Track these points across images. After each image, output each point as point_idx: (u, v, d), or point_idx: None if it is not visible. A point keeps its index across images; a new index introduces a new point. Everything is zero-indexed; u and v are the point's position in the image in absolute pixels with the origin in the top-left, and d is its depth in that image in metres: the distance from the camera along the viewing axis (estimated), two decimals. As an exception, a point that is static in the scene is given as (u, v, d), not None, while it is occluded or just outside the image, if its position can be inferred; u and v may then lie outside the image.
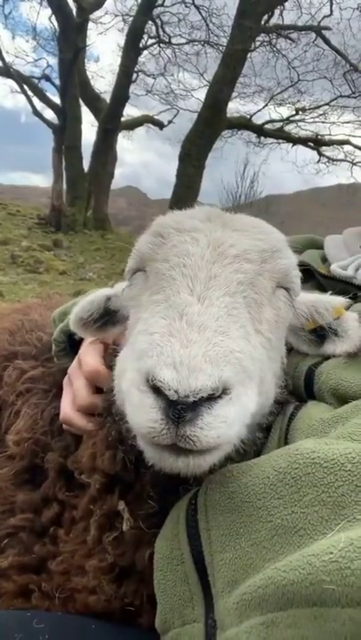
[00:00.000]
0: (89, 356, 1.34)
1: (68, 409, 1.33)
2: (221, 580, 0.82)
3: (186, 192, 18.73)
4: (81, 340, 1.44)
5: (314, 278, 1.47)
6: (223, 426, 0.80)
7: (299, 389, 1.20)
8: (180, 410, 0.77)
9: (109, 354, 1.30)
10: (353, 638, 0.62)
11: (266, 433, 1.11)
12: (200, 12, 21.51)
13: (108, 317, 1.31)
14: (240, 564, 0.80)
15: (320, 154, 25.32)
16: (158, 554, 0.93)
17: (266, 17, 19.71)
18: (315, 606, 0.65)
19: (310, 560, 0.67)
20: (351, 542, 0.65)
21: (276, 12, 20.18)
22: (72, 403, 1.33)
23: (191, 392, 0.76)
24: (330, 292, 1.26)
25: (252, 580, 0.75)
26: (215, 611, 0.81)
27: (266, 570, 0.73)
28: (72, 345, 1.49)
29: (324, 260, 1.65)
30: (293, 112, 24.92)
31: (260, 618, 0.71)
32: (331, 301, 1.21)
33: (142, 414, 0.81)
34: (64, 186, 19.53)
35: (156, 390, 0.79)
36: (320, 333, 1.21)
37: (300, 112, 24.84)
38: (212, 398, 0.79)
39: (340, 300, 1.21)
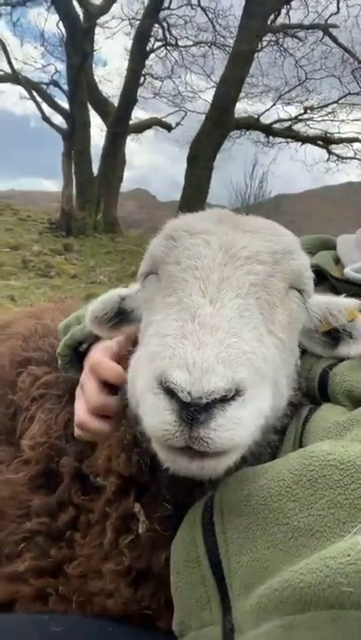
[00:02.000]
0: (95, 352, 1.35)
1: (81, 413, 1.34)
2: (238, 583, 0.81)
3: (195, 193, 18.72)
4: (86, 352, 1.45)
5: (327, 281, 1.46)
6: (237, 427, 0.80)
7: (313, 391, 1.19)
8: (193, 412, 0.77)
9: (124, 356, 1.31)
10: None
11: (281, 435, 1.10)
12: (206, 14, 21.56)
13: (122, 316, 1.32)
14: (257, 567, 0.79)
15: (329, 152, 25.18)
16: (175, 557, 0.94)
17: (272, 16, 19.66)
18: (333, 609, 0.64)
19: (328, 562, 0.67)
20: None
21: (283, 11, 20.14)
22: (85, 406, 1.34)
23: (204, 394, 0.76)
24: (344, 295, 1.26)
25: (269, 582, 0.75)
26: (232, 614, 0.81)
27: (283, 572, 0.73)
28: (78, 358, 1.50)
29: (337, 260, 1.64)
30: (302, 111, 24.84)
31: (279, 621, 0.70)
32: (344, 304, 1.20)
33: (155, 417, 0.81)
34: (74, 190, 19.63)
35: (170, 392, 0.79)
36: (334, 336, 1.20)
37: (309, 111, 24.73)
38: (225, 400, 0.79)
39: (354, 303, 1.20)
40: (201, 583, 0.88)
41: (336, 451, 0.81)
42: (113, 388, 1.29)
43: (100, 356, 1.33)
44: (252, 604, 0.77)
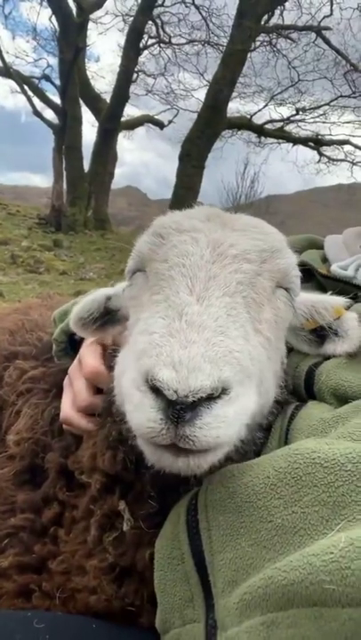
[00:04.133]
0: (89, 356, 1.34)
1: (68, 409, 1.34)
2: (222, 580, 0.82)
3: (186, 192, 18.72)
4: (81, 340, 1.44)
5: (314, 278, 1.47)
6: (223, 426, 0.80)
7: (299, 389, 1.20)
8: (179, 410, 0.77)
9: (109, 354, 1.30)
10: (353, 638, 0.62)
11: (266, 433, 1.11)
12: (200, 12, 21.54)
13: (108, 317, 1.31)
14: (240, 564, 0.80)
15: (320, 154, 25.34)
16: (159, 553, 0.93)
17: (266, 17, 19.71)
18: (315, 606, 0.65)
19: (311, 560, 0.67)
20: (351, 542, 0.65)
21: (277, 11, 20.19)
22: (72, 403, 1.33)
23: (190, 392, 0.76)
24: (330, 293, 1.26)
25: (252, 579, 0.75)
26: (215, 611, 0.81)
27: (266, 570, 0.73)
28: (73, 345, 1.49)
29: (325, 260, 1.65)
30: (294, 112, 24.95)
31: (261, 618, 0.71)
32: (331, 301, 1.21)
33: (142, 414, 0.81)
34: (64, 186, 19.55)
35: (156, 390, 0.79)
36: (320, 333, 1.21)
37: (301, 112, 24.85)
38: (211, 398, 0.79)
39: (341, 301, 1.21)
40: (184, 580, 0.88)
41: (321, 449, 0.81)
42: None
43: (97, 365, 1.30)
44: (235, 601, 0.77)
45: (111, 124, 21.22)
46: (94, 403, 1.26)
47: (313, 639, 0.64)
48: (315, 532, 0.74)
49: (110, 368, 1.20)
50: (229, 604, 0.78)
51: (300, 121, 25.26)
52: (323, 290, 1.37)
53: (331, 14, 20.44)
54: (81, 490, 1.24)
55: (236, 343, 0.86)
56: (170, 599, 0.89)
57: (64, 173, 19.52)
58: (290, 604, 0.67)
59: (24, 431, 1.47)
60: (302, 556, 0.69)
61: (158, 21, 21.97)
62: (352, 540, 0.66)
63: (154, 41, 22.84)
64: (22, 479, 1.40)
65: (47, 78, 21.36)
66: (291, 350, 1.24)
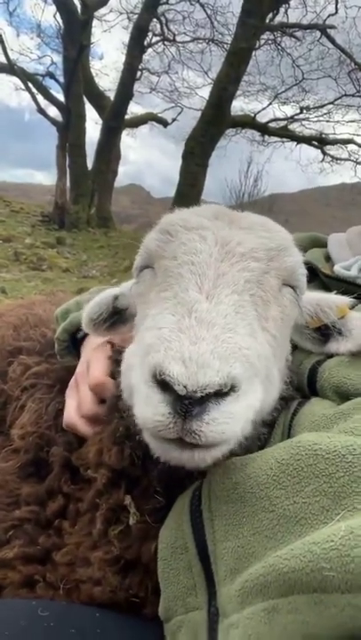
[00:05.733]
0: (96, 365, 1.34)
1: (72, 414, 1.35)
2: (224, 568, 0.83)
3: (189, 190, 18.71)
4: (83, 338, 1.45)
5: (318, 277, 1.48)
6: (230, 422, 0.81)
7: (302, 386, 1.21)
8: (187, 405, 0.78)
9: (116, 352, 1.32)
10: (352, 623, 0.64)
11: (270, 428, 1.12)
12: (205, 10, 21.52)
13: (117, 316, 1.32)
14: (242, 553, 0.81)
15: (324, 153, 25.28)
16: (162, 543, 0.95)
17: (271, 15, 19.64)
18: (315, 592, 0.66)
19: (311, 548, 0.68)
20: (351, 531, 0.67)
21: (281, 10, 20.10)
22: (77, 409, 1.35)
23: (199, 387, 0.77)
24: (334, 292, 1.27)
25: (254, 567, 0.77)
26: (217, 598, 0.83)
27: (268, 558, 0.75)
28: (75, 342, 1.50)
29: (328, 258, 1.66)
30: (298, 111, 24.91)
31: (262, 604, 0.72)
32: (335, 301, 1.22)
33: (149, 408, 0.82)
34: (68, 183, 19.54)
35: (164, 385, 0.80)
36: (324, 332, 1.22)
37: (305, 111, 24.80)
38: (219, 394, 0.80)
39: (345, 300, 1.22)
40: (187, 569, 0.89)
41: (322, 441, 0.82)
42: None
43: (103, 376, 1.31)
44: (236, 588, 0.79)
45: (115, 121, 21.21)
46: (99, 412, 1.28)
47: (313, 624, 0.66)
48: (316, 521, 0.75)
49: (113, 376, 1.21)
50: (231, 592, 0.80)
51: (303, 120, 25.25)
52: (326, 289, 1.38)
53: (336, 13, 20.40)
54: (86, 483, 1.25)
55: (244, 340, 0.87)
56: (173, 587, 0.91)
57: (67, 171, 19.51)
58: (290, 591, 0.69)
59: (28, 425, 1.48)
60: (303, 545, 0.70)
61: (163, 19, 21.96)
62: (352, 528, 0.67)
63: (158, 39, 22.85)
64: (27, 472, 1.42)
65: (51, 76, 21.33)
66: (295, 348, 1.25)
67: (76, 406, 1.35)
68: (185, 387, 0.77)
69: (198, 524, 0.89)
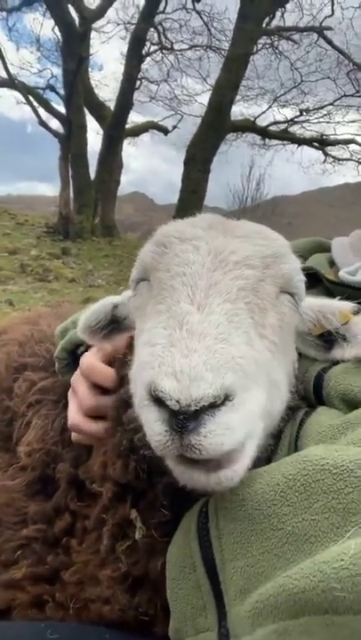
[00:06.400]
0: (86, 356, 1.35)
1: (74, 415, 1.34)
2: (233, 589, 0.81)
3: (192, 196, 18.77)
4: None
5: (321, 283, 1.47)
6: (227, 432, 0.79)
7: (308, 394, 1.19)
8: (182, 420, 0.77)
9: (118, 359, 1.31)
10: None
11: (276, 440, 1.10)
12: (201, 18, 21.68)
13: (115, 325, 1.32)
14: (252, 572, 0.79)
15: (326, 154, 25.29)
16: (170, 562, 0.93)
17: (267, 19, 19.75)
18: (327, 614, 0.64)
19: (321, 567, 0.66)
20: None
21: (278, 13, 20.23)
22: (78, 408, 1.33)
23: (193, 401, 0.76)
24: (338, 298, 1.26)
25: (263, 587, 0.75)
26: (227, 619, 0.81)
27: (277, 578, 0.73)
28: (75, 361, 1.49)
29: (332, 263, 1.64)
30: (298, 113, 24.94)
31: (273, 626, 0.70)
32: (338, 306, 1.20)
33: (149, 428, 0.81)
34: (71, 194, 19.67)
35: (159, 402, 0.79)
36: (328, 338, 1.20)
37: (305, 113, 24.83)
38: (214, 406, 0.79)
39: (348, 305, 1.19)
40: (196, 589, 0.87)
41: (330, 455, 0.80)
42: (105, 388, 1.29)
43: (93, 360, 1.32)
44: (247, 609, 0.77)
45: (116, 131, 21.37)
46: (99, 404, 1.27)
47: None
48: (325, 539, 0.73)
49: (121, 378, 1.20)
50: (241, 613, 0.78)
51: (304, 122, 25.29)
52: (330, 294, 1.36)
53: (332, 14, 20.48)
54: (92, 499, 1.24)
55: (238, 349, 0.85)
56: (182, 608, 0.89)
57: (71, 182, 19.64)
58: (302, 612, 0.67)
59: (35, 442, 1.48)
60: (313, 564, 0.68)
61: (160, 28, 22.12)
62: None
63: (156, 48, 23.01)
64: (34, 490, 1.41)
65: (52, 88, 21.55)
66: (300, 356, 1.24)
67: (77, 406, 1.34)
68: (178, 401, 0.76)
69: (206, 542, 0.87)
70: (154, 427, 0.80)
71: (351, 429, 0.94)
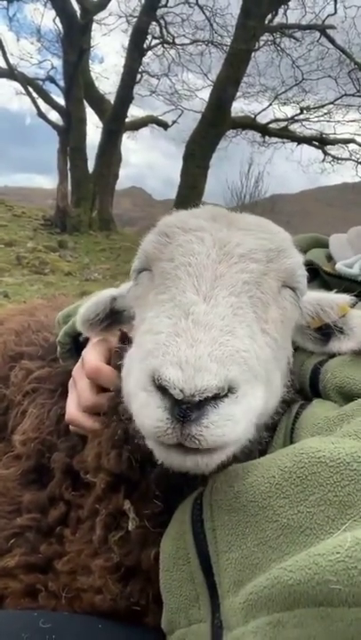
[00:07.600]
0: (91, 354, 1.34)
1: (73, 409, 1.34)
2: (227, 580, 0.81)
3: (190, 192, 18.71)
4: (86, 342, 1.44)
5: (318, 277, 1.47)
6: (229, 424, 0.80)
7: (304, 387, 1.20)
8: (185, 409, 0.77)
9: (115, 353, 1.31)
10: (359, 638, 0.62)
11: (271, 432, 1.10)
12: (204, 12, 21.51)
13: (114, 317, 1.31)
14: (246, 564, 0.79)
15: (325, 153, 25.26)
16: (164, 553, 0.93)
17: (270, 16, 19.66)
18: (321, 606, 0.64)
19: (316, 560, 0.67)
20: (358, 542, 0.65)
21: (280, 11, 20.13)
22: (77, 403, 1.33)
23: (197, 391, 0.76)
24: (335, 291, 1.26)
25: (258, 579, 0.75)
26: (221, 610, 0.81)
27: (272, 569, 0.73)
28: (77, 346, 1.49)
29: (330, 258, 1.65)
30: (298, 111, 24.88)
31: (267, 618, 0.70)
32: (336, 299, 1.20)
33: (148, 414, 0.81)
34: (69, 187, 19.59)
35: (162, 390, 0.79)
36: (325, 331, 1.20)
37: (305, 111, 24.78)
38: (217, 397, 0.79)
39: (346, 298, 1.20)
40: (190, 580, 0.87)
41: (326, 447, 0.81)
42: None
43: (98, 362, 1.30)
44: (240, 601, 0.77)
45: (115, 124, 21.26)
46: (99, 402, 1.26)
47: (319, 639, 0.64)
48: (321, 531, 0.74)
49: (117, 367, 1.20)
50: (235, 604, 0.78)
51: (304, 120, 25.22)
52: (327, 288, 1.37)
53: (335, 13, 20.40)
54: (86, 489, 1.24)
55: (242, 342, 0.86)
56: (176, 599, 0.89)
57: (69, 174, 19.56)
58: (296, 604, 0.67)
59: (30, 431, 1.47)
60: (308, 556, 0.68)
61: (162, 22, 21.96)
62: (358, 539, 0.65)
63: (157, 41, 22.83)
64: (28, 479, 1.41)
65: (51, 80, 21.37)
66: (296, 349, 1.24)
67: (76, 401, 1.34)
68: (182, 391, 0.76)
69: (200, 534, 0.88)
70: (156, 412, 0.79)
71: (347, 421, 0.94)
